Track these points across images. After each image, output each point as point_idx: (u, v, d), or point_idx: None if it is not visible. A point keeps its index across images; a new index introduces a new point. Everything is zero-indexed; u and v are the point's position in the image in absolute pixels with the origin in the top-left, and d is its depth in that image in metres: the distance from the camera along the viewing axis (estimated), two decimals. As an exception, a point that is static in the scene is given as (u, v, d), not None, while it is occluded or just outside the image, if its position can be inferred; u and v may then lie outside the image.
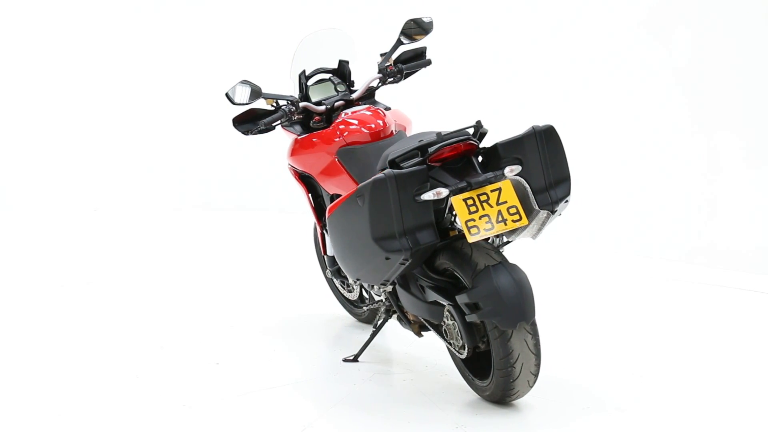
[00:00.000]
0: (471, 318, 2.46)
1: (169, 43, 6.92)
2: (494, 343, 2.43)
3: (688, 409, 2.68)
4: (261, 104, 3.15)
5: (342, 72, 3.34)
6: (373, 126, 3.02)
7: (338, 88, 3.28)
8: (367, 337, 3.18)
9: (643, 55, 5.52)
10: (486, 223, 2.40)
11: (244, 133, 3.08)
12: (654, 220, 5.42)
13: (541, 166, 2.50)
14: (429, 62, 3.23)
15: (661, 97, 5.44)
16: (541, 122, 2.58)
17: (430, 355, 3.16)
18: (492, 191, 2.43)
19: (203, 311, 3.99)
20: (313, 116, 3.22)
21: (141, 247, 5.56)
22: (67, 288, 4.40)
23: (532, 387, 2.55)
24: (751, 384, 2.91)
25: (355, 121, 3.05)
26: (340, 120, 3.09)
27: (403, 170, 2.46)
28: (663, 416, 2.61)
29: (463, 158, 2.55)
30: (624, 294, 4.31)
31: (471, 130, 2.60)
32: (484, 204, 2.41)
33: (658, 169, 5.47)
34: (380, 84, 3.26)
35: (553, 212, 2.55)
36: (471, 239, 2.40)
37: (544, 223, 2.61)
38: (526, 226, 2.60)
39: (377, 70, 3.23)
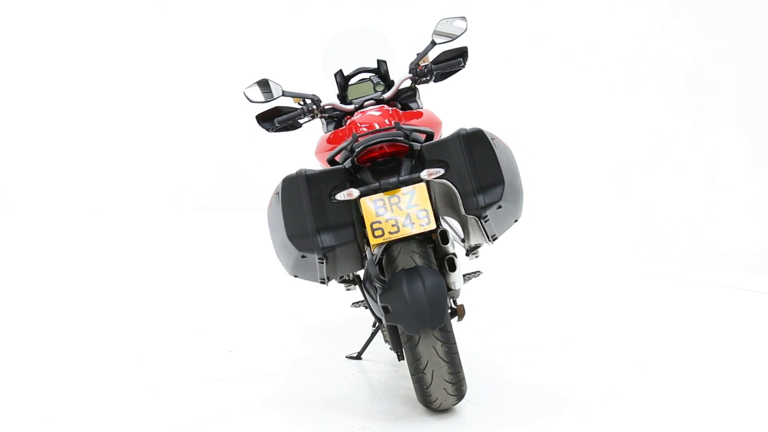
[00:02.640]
0: (384, 320, 2.42)
1: (169, 44, 6.93)
2: (404, 348, 2.41)
3: (684, 408, 2.67)
4: (289, 102, 3.15)
5: (381, 72, 3.30)
6: (376, 126, 3.01)
7: (376, 88, 3.25)
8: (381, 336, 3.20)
9: (645, 57, 5.52)
10: (392, 225, 2.38)
11: (267, 130, 3.09)
12: (654, 221, 5.42)
13: (467, 170, 2.43)
14: (459, 63, 3.07)
15: (663, 98, 5.44)
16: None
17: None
18: (405, 194, 2.41)
19: (204, 309, 3.99)
20: (346, 115, 3.21)
21: (141, 247, 5.56)
22: (67, 288, 4.40)
23: (456, 396, 2.44)
24: (751, 385, 2.90)
25: (362, 121, 3.05)
26: (351, 119, 3.10)
27: (315, 170, 2.48)
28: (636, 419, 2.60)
29: (394, 159, 2.53)
30: (623, 294, 4.31)
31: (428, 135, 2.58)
32: (394, 206, 2.39)
33: (658, 169, 5.47)
34: (412, 84, 3.19)
35: (480, 218, 2.43)
36: (374, 242, 2.38)
37: (487, 228, 2.47)
38: (465, 232, 2.55)
39: (408, 70, 3.20)
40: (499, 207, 2.43)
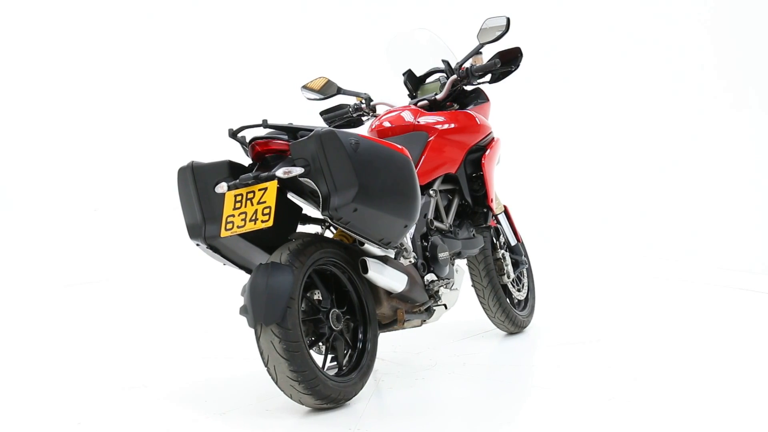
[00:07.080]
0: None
1: (169, 44, 6.93)
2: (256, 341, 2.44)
3: (684, 409, 2.67)
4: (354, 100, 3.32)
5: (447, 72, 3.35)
6: (386, 124, 3.11)
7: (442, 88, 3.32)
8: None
9: (649, 58, 5.52)
10: (241, 220, 2.44)
11: (328, 125, 3.22)
12: (654, 220, 5.42)
13: (322, 170, 2.39)
14: (495, 64, 3.09)
15: (666, 100, 5.45)
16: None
17: (444, 360, 3.11)
18: (259, 190, 2.45)
19: (204, 309, 3.99)
20: None
21: (141, 247, 5.56)
22: (67, 288, 4.40)
23: (311, 395, 2.40)
24: (751, 384, 2.90)
25: (385, 120, 3.14)
26: (378, 117, 3.21)
27: (202, 162, 2.57)
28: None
29: (281, 157, 2.55)
30: (623, 293, 4.32)
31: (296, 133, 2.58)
32: (248, 202, 2.45)
33: (659, 169, 5.47)
34: (460, 85, 3.24)
35: (333, 219, 2.40)
36: (223, 234, 2.45)
37: (351, 230, 2.45)
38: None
39: (452, 72, 3.23)
40: (355, 210, 2.40)
